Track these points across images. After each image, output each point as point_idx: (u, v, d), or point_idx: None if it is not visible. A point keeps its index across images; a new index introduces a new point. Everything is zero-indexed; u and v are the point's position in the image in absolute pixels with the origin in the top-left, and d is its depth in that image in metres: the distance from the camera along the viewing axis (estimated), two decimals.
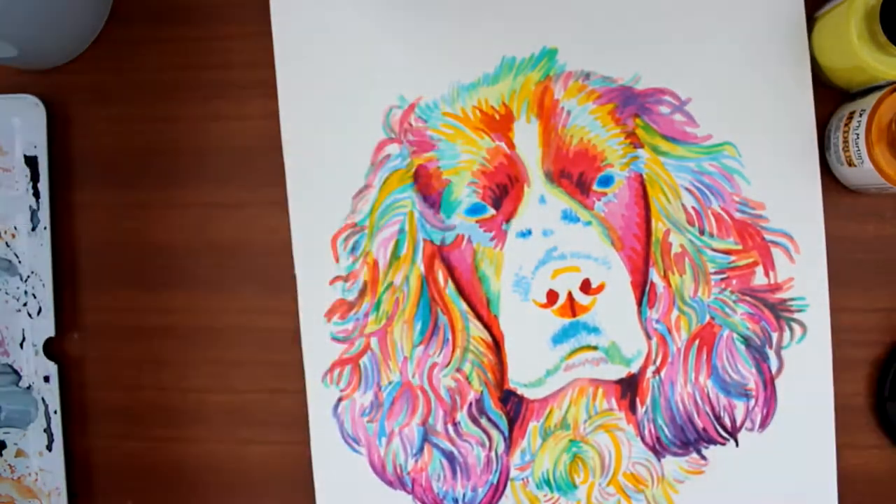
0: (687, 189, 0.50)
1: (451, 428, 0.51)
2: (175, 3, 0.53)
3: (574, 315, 0.50)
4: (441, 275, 0.51)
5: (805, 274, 0.49)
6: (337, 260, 0.51)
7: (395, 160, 0.51)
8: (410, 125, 0.51)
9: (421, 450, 0.51)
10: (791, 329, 0.49)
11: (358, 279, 0.51)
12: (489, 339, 0.51)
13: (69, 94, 0.54)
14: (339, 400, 0.51)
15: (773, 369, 0.49)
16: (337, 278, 0.51)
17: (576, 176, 0.50)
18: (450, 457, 0.51)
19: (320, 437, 0.51)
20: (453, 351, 0.51)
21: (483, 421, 0.51)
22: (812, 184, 0.49)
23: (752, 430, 0.50)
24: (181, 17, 0.53)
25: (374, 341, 0.51)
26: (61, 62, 0.53)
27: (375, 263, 0.51)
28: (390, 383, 0.51)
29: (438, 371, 0.51)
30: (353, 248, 0.51)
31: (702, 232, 0.50)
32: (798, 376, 0.49)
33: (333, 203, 0.51)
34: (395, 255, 0.51)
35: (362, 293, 0.51)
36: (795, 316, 0.49)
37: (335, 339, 0.51)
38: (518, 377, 0.50)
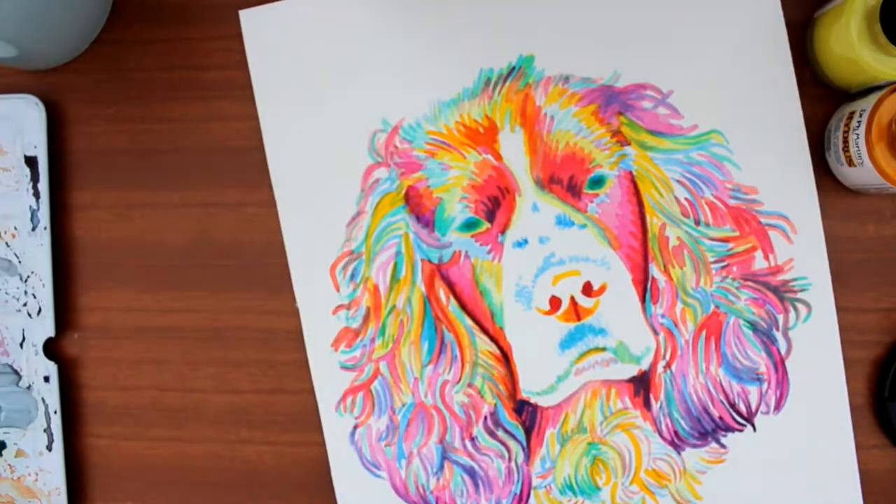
0: (678, 181, 0.50)
1: (468, 443, 0.51)
2: (175, 4, 0.53)
3: (579, 319, 0.50)
4: (442, 293, 0.51)
5: (804, 253, 0.49)
6: (337, 289, 0.51)
7: (384, 184, 0.51)
8: (396, 147, 0.51)
9: (441, 468, 0.51)
10: (796, 309, 0.49)
11: (360, 306, 0.51)
12: (497, 351, 0.51)
13: (69, 94, 0.54)
14: (355, 427, 0.51)
15: (783, 351, 0.49)
16: (339, 307, 0.51)
17: (566, 180, 0.50)
18: (471, 472, 0.51)
19: (340, 465, 0.51)
20: (462, 367, 0.51)
21: (500, 433, 0.51)
22: (802, 161, 0.49)
23: (767, 413, 0.50)
24: (181, 18, 0.53)
25: (383, 366, 0.51)
26: (61, 62, 0.53)
27: (376, 288, 0.51)
28: (404, 405, 0.51)
29: (450, 388, 0.51)
30: (353, 276, 0.51)
31: (697, 222, 0.50)
32: (807, 355, 0.49)
33: (328, 233, 0.51)
34: (395, 278, 0.51)
35: (366, 319, 0.51)
36: (799, 296, 0.49)
37: (344, 367, 0.51)
38: (530, 386, 0.50)
